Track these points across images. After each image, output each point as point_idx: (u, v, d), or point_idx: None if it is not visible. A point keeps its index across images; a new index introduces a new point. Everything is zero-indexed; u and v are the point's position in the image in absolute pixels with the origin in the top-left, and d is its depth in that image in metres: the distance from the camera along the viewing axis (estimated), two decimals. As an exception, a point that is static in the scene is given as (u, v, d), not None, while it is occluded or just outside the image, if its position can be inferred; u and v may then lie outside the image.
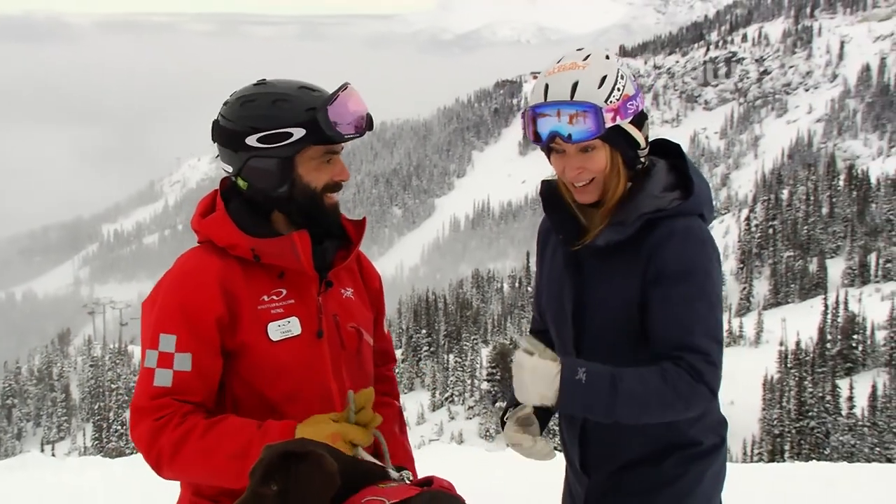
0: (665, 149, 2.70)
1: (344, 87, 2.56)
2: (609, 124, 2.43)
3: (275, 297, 2.57)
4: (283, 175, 2.55)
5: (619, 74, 2.49)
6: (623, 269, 2.55)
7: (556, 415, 2.81)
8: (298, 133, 2.50)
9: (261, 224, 2.60)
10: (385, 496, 2.19)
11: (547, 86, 2.47)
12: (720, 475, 2.75)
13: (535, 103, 2.49)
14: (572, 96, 2.43)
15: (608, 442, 2.64)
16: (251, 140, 2.52)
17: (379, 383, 2.87)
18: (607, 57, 2.52)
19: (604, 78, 2.46)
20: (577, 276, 2.65)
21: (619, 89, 2.46)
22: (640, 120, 2.53)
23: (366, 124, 2.60)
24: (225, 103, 2.61)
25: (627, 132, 2.50)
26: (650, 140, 2.65)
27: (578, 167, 2.51)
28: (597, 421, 2.55)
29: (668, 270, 2.48)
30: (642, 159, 2.59)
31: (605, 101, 2.43)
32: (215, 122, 2.61)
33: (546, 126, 2.46)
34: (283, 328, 2.56)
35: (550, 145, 2.54)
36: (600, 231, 2.56)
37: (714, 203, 2.63)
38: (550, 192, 2.73)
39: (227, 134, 2.57)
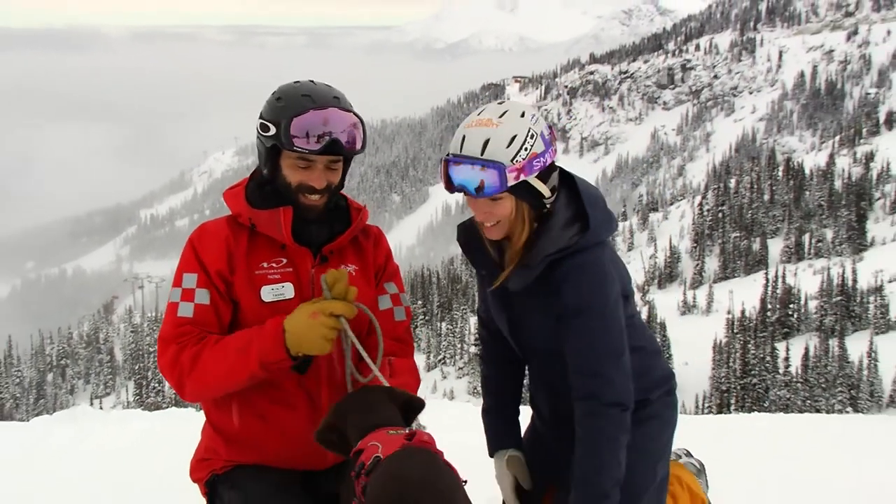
0: (562, 175, 2.60)
1: (322, 106, 2.50)
2: (511, 182, 2.37)
3: (274, 265, 2.60)
4: (268, 159, 2.59)
5: (530, 134, 2.39)
6: (540, 305, 2.54)
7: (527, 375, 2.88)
8: (272, 130, 2.52)
9: (265, 200, 2.63)
10: (381, 443, 2.22)
11: (464, 137, 2.40)
12: (670, 424, 2.76)
13: (450, 152, 2.43)
14: (482, 152, 2.36)
15: (569, 407, 2.60)
16: (259, 122, 2.58)
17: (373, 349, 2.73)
18: (522, 115, 2.42)
19: (513, 138, 2.36)
20: (507, 308, 2.65)
21: (526, 149, 2.37)
22: (547, 172, 2.46)
23: (326, 146, 2.49)
24: None
25: (533, 186, 2.44)
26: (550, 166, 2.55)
27: (486, 211, 2.47)
28: (565, 399, 2.60)
29: (569, 306, 2.45)
30: (547, 206, 2.50)
31: (511, 161, 2.35)
32: None
33: (457, 177, 2.40)
34: (277, 291, 2.58)
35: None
36: (509, 275, 2.54)
37: (613, 216, 2.59)
38: (468, 235, 2.73)
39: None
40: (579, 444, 2.47)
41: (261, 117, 2.56)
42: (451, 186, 2.42)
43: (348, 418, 2.36)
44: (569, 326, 2.47)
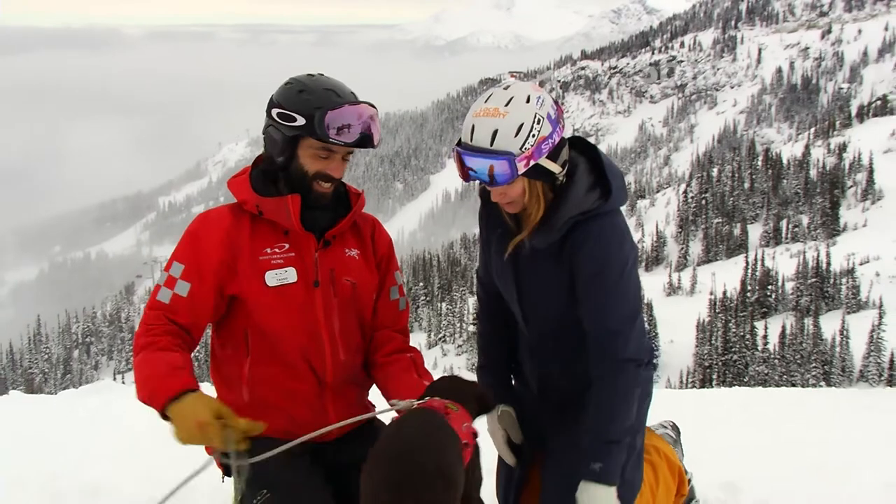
0: (580, 145, 2.58)
1: (357, 103, 2.51)
2: (522, 170, 2.32)
3: (277, 250, 2.58)
4: (284, 148, 2.55)
5: (536, 119, 2.32)
6: (551, 267, 2.50)
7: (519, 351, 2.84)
8: (300, 121, 2.48)
9: (269, 187, 2.62)
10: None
11: (473, 127, 2.34)
12: (649, 396, 2.69)
13: (462, 142, 2.38)
14: (492, 143, 2.30)
15: (560, 383, 2.60)
16: (274, 112, 2.54)
17: (386, 343, 2.80)
18: (528, 100, 2.34)
19: (520, 127, 2.30)
20: (515, 271, 2.60)
21: (533, 135, 2.31)
22: (556, 151, 2.39)
23: (358, 140, 2.49)
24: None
25: (543, 166, 2.38)
26: (569, 137, 2.56)
27: (501, 193, 2.44)
28: (551, 374, 2.63)
29: (590, 266, 2.42)
30: (560, 178, 2.45)
31: (520, 149, 2.30)
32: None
33: (470, 167, 2.35)
34: (280, 276, 2.56)
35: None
36: (530, 235, 2.49)
37: (627, 188, 2.55)
38: (487, 195, 2.66)
39: (269, 101, 2.58)
40: (595, 396, 2.45)
41: (278, 106, 2.52)
42: (465, 175, 2.38)
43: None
44: (588, 286, 2.44)
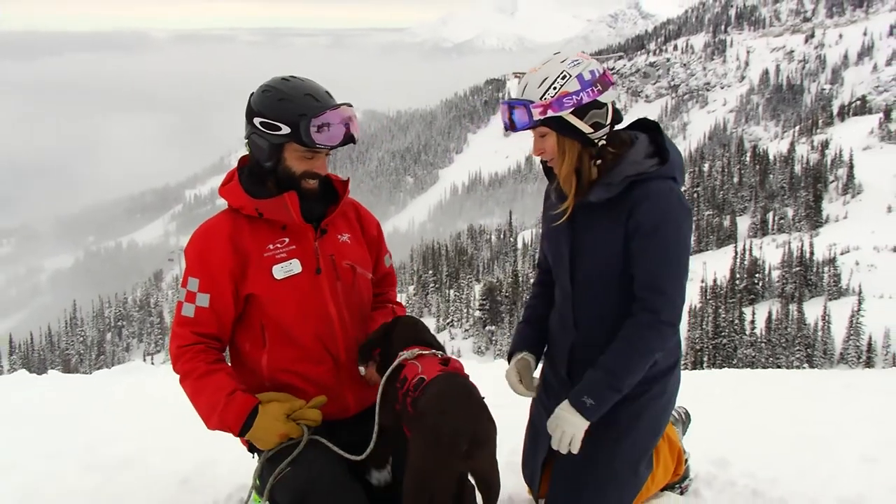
0: (646, 125, 2.62)
1: (336, 106, 2.49)
2: (538, 117, 2.41)
3: (279, 245, 2.58)
4: (271, 154, 2.53)
5: (561, 75, 2.39)
6: (607, 223, 2.48)
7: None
8: (285, 129, 2.46)
9: (260, 188, 2.60)
10: (421, 365, 2.41)
11: (518, 84, 2.50)
12: (674, 390, 2.72)
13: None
14: (521, 94, 2.44)
15: (591, 359, 2.54)
16: (256, 121, 2.51)
17: (382, 303, 2.93)
18: (563, 60, 2.43)
19: (544, 80, 2.40)
20: (570, 228, 2.58)
21: (555, 88, 2.38)
22: (583, 110, 2.41)
23: (343, 140, 2.50)
24: (260, 86, 2.58)
25: (569, 121, 2.42)
26: (636, 120, 2.63)
27: (538, 147, 2.52)
28: (585, 346, 2.61)
29: (644, 225, 2.41)
30: (599, 140, 2.47)
31: (540, 98, 2.39)
32: (249, 96, 2.58)
33: (504, 116, 2.49)
34: (286, 268, 2.56)
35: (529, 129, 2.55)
36: (592, 189, 2.49)
37: (685, 167, 2.59)
38: (548, 168, 2.67)
39: (248, 108, 2.55)
40: (621, 342, 2.44)
41: (260, 115, 2.49)
42: (505, 124, 2.50)
43: (396, 331, 2.58)
44: (642, 244, 2.42)
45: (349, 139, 2.51)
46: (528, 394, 2.79)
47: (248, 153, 2.65)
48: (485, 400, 2.31)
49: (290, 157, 2.53)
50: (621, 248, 2.46)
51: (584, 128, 2.42)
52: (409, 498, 2.19)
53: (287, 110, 2.45)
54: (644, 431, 2.62)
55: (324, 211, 2.69)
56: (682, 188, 2.56)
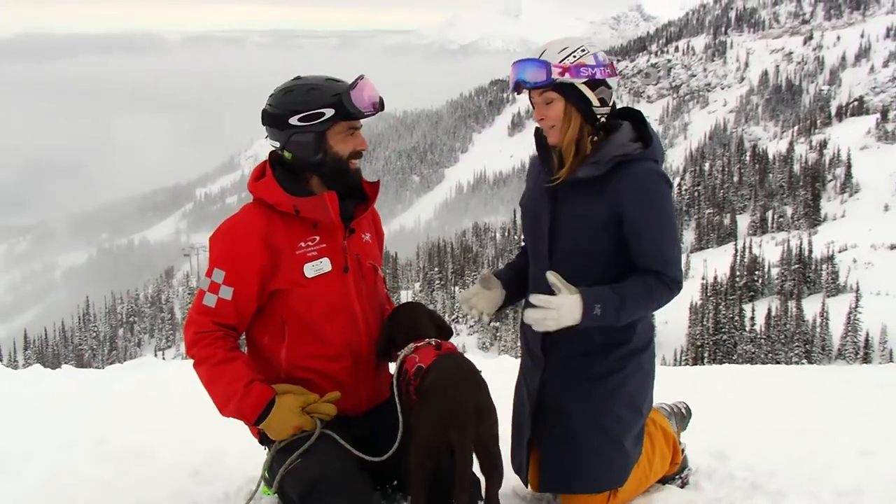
0: (629, 114, 2.65)
1: (361, 77, 2.55)
2: (557, 78, 2.43)
3: (310, 243, 2.58)
4: (317, 146, 2.54)
5: (581, 48, 2.47)
6: (589, 200, 2.53)
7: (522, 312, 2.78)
8: (329, 112, 2.49)
9: (299, 186, 2.60)
10: (419, 355, 2.48)
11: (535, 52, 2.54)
12: (650, 368, 2.74)
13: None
14: (539, 56, 2.49)
15: (566, 336, 2.55)
16: (293, 120, 2.51)
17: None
18: (583, 42, 2.52)
19: (564, 48, 2.46)
20: (552, 201, 2.61)
21: (574, 56, 2.45)
22: (595, 84, 2.48)
23: (379, 105, 2.56)
24: (271, 95, 2.59)
25: (580, 90, 2.47)
26: (618, 108, 2.63)
27: (542, 115, 2.53)
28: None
29: (638, 206, 2.48)
30: (600, 117, 2.53)
31: (559, 62, 2.44)
32: (264, 111, 2.59)
33: (516, 73, 2.49)
34: (317, 266, 2.57)
35: (530, 99, 2.57)
36: (580, 167, 2.53)
37: (664, 154, 2.64)
38: (540, 137, 2.69)
39: (273, 117, 2.55)
40: (639, 281, 2.49)
41: (295, 112, 2.51)
42: (513, 85, 2.51)
43: (399, 329, 2.63)
44: (643, 222, 2.48)
45: (382, 104, 2.58)
46: (467, 303, 2.76)
47: (273, 154, 2.66)
48: (481, 374, 2.37)
49: (335, 140, 2.55)
50: (601, 224, 2.51)
51: (594, 99, 2.49)
52: (412, 472, 2.23)
53: (322, 96, 2.49)
54: (624, 407, 2.64)
55: (352, 211, 2.70)
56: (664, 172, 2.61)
